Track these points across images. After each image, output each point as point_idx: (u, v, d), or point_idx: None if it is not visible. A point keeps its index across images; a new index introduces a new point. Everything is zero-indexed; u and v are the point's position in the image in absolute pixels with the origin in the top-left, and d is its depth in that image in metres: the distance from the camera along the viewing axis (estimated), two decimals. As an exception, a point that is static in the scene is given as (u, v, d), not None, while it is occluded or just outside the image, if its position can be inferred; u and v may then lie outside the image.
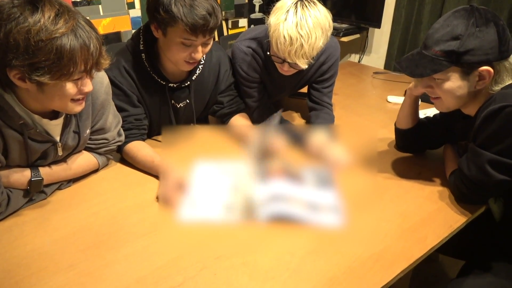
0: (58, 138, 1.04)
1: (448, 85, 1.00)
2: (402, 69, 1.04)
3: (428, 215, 1.05)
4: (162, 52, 1.23)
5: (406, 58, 1.05)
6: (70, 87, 0.89)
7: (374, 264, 0.89)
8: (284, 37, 1.16)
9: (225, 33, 2.72)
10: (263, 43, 1.36)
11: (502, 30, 0.95)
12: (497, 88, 0.98)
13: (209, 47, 1.20)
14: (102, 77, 1.10)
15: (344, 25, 2.56)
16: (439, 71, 0.98)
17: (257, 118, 1.45)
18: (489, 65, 0.96)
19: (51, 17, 0.81)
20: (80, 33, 0.84)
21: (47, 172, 1.06)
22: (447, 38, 0.96)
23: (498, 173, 0.96)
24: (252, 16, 2.81)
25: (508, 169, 0.95)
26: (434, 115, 1.29)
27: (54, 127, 1.02)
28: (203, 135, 1.42)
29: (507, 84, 0.98)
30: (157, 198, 1.09)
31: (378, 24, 2.45)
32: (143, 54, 1.23)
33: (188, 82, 1.32)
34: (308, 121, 1.50)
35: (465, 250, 1.25)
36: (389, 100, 1.77)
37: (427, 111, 1.53)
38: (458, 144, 1.24)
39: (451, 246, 1.08)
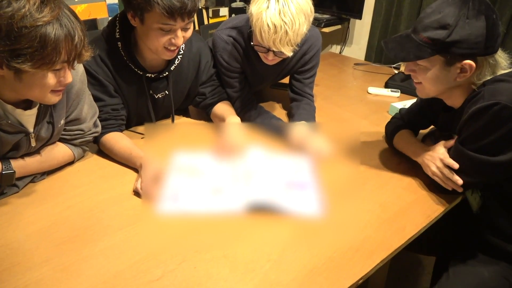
0: (31, 129, 1.00)
1: (430, 73, 1.00)
2: (387, 50, 1.02)
3: (406, 205, 1.07)
4: (141, 40, 1.19)
5: (394, 39, 1.03)
6: (50, 78, 0.87)
7: (354, 254, 0.90)
8: (268, 25, 1.14)
9: (206, 22, 2.68)
10: (244, 32, 1.33)
11: (492, 25, 0.92)
12: (479, 82, 0.98)
13: (189, 31, 1.17)
14: (76, 65, 1.06)
15: (325, 16, 2.56)
16: (422, 58, 0.98)
17: (238, 108, 1.43)
18: (473, 59, 0.94)
19: (36, 4, 0.79)
20: (65, 23, 0.82)
21: (19, 165, 1.02)
22: (436, 26, 0.94)
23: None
24: (233, 5, 2.77)
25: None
26: (415, 110, 1.28)
27: (28, 117, 0.98)
28: (183, 128, 1.39)
29: (488, 78, 0.97)
30: (133, 191, 1.07)
31: (359, 15, 2.46)
32: (119, 43, 1.19)
33: (166, 73, 1.29)
34: (289, 112, 1.50)
35: (435, 246, 1.28)
36: (369, 91, 1.78)
37: (406, 103, 1.54)
38: (436, 133, 1.24)
39: (421, 242, 1.09)
